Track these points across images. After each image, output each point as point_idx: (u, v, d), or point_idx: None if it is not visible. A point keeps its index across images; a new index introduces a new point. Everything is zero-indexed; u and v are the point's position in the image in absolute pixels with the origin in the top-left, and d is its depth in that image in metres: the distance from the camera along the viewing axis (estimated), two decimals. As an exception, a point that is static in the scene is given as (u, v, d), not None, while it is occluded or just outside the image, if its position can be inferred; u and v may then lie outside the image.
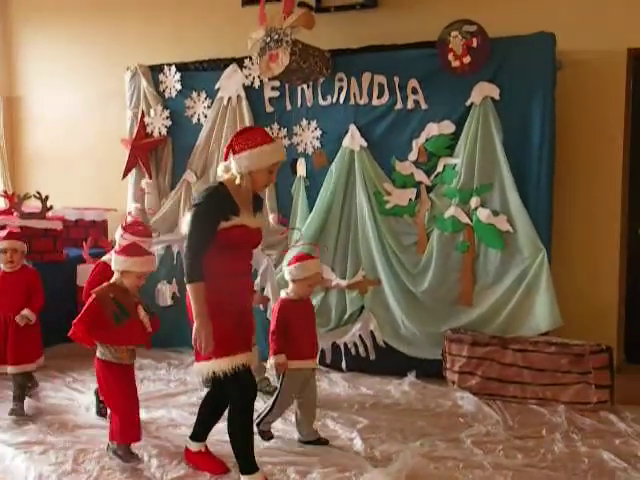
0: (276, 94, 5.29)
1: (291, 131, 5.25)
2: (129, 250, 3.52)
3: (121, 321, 3.40)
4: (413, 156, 4.83)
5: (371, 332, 4.96)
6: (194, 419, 3.49)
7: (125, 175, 5.77)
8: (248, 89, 5.36)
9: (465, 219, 4.65)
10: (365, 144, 4.95)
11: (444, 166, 4.74)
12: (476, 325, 4.66)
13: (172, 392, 4.62)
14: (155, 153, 5.75)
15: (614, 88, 4.83)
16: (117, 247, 3.64)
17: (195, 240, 3.07)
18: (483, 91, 4.58)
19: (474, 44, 4.55)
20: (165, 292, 5.56)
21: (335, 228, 5.07)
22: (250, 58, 5.25)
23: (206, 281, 3.03)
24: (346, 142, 5.00)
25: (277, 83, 5.19)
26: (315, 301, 5.14)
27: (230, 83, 5.40)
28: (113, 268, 3.51)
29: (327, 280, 5.11)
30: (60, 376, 4.91)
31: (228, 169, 3.14)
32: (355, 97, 4.99)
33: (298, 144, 5.23)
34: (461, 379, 4.48)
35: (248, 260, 3.27)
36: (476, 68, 4.57)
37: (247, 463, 3.17)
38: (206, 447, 3.42)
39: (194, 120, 5.58)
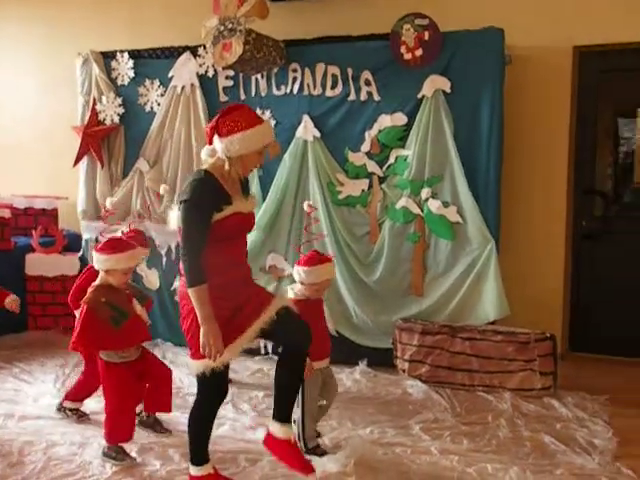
0: (230, 83, 5.27)
1: (245, 121, 5.24)
2: (111, 246, 3.37)
3: (120, 324, 3.31)
4: (366, 147, 4.87)
5: (323, 321, 5.01)
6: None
7: (76, 163, 5.68)
8: (202, 78, 5.32)
9: (416, 210, 4.71)
10: (318, 134, 4.97)
11: (396, 157, 4.78)
12: (427, 314, 4.73)
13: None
14: (107, 141, 5.67)
15: (560, 84, 4.96)
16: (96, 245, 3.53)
17: (192, 239, 2.81)
18: (434, 84, 4.63)
19: (426, 37, 4.60)
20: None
21: (288, 218, 5.09)
22: (204, 47, 5.21)
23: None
24: (300, 132, 5.01)
25: (231, 72, 5.17)
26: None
27: (184, 71, 5.35)
28: (97, 267, 3.39)
29: (280, 270, 5.14)
30: (7, 367, 4.85)
31: (214, 153, 2.88)
32: (309, 88, 5.00)
33: (252, 134, 5.22)
34: (411, 367, 4.56)
35: (244, 249, 3.07)
36: (428, 61, 4.62)
37: (198, 454, 3.10)
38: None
39: (147, 108, 5.52)
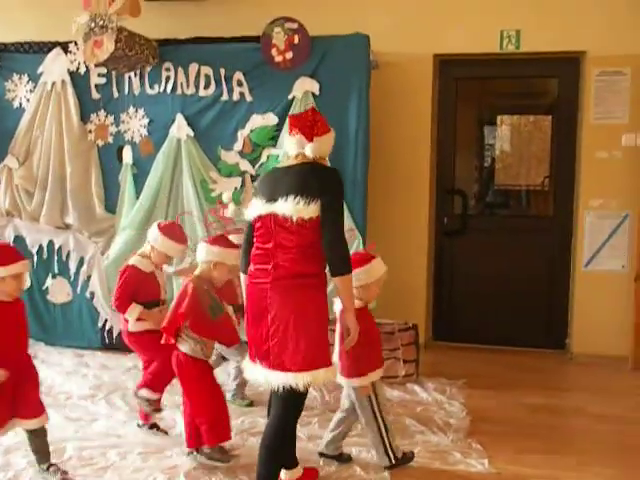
0: (103, 81, 5.23)
1: (118, 119, 5.22)
2: (223, 241, 3.37)
3: (217, 315, 3.23)
4: (238, 146, 4.97)
5: (198, 317, 5.07)
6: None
7: (-61, 159, 5.47)
8: (73, 75, 5.25)
9: (287, 207, 4.86)
10: (192, 134, 5.03)
11: (268, 156, 4.92)
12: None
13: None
14: (-27, 137, 5.50)
15: (422, 90, 5.27)
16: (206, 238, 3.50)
17: (342, 228, 2.77)
18: (304, 86, 4.80)
19: (296, 41, 4.78)
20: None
21: (162, 216, 5.09)
22: (75, 43, 5.16)
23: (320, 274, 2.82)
24: (173, 131, 5.05)
25: (103, 70, 5.13)
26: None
27: (54, 67, 5.27)
28: (204, 259, 3.32)
29: (154, 267, 5.15)
30: None
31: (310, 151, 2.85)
32: (182, 87, 5.05)
33: (125, 132, 5.21)
34: (283, 359, 4.68)
35: None
36: (297, 64, 4.79)
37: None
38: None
39: (15, 104, 5.39)
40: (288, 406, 2.86)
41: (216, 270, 3.31)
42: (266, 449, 2.87)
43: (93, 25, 4.70)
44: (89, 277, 5.31)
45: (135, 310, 3.60)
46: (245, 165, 4.98)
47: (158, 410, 3.67)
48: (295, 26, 4.75)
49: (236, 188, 4.99)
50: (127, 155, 5.20)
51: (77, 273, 5.34)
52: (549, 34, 5.05)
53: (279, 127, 4.87)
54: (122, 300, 3.61)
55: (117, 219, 5.26)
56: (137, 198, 5.17)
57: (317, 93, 4.80)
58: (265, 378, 2.81)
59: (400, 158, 5.25)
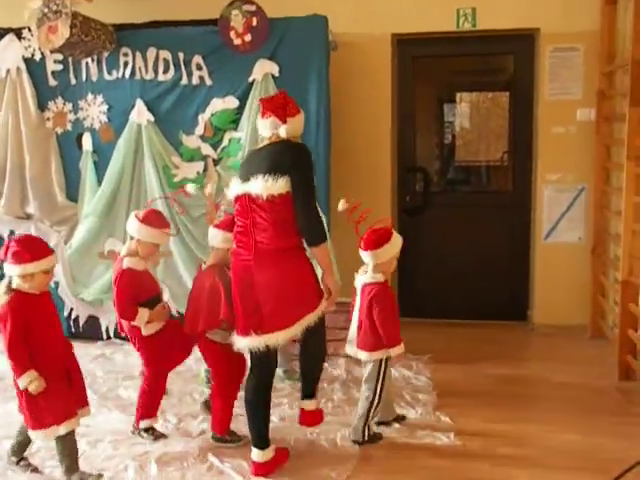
0: (59, 67, 5.15)
1: (77, 105, 5.15)
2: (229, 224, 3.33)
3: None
4: (200, 130, 4.95)
5: (165, 303, 5.07)
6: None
7: None
8: (28, 61, 5.15)
9: (251, 190, 4.87)
10: (152, 119, 4.98)
11: (229, 140, 4.90)
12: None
13: None
14: None
15: (381, 69, 5.31)
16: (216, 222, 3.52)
17: (313, 200, 2.99)
18: (264, 68, 4.78)
19: (254, 23, 4.75)
20: None
21: (125, 202, 5.08)
22: (29, 29, 5.06)
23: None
24: (133, 117, 5.00)
25: (60, 56, 5.04)
26: (108, 275, 5.15)
27: (8, 54, 5.16)
28: (221, 245, 3.37)
29: (117, 254, 5.12)
30: None
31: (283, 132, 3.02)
32: (141, 72, 5.00)
33: (84, 119, 5.14)
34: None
35: None
36: (257, 46, 4.77)
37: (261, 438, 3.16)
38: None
39: (-33, 92, 5.29)
40: (270, 361, 3.16)
41: (225, 254, 3.36)
42: (250, 404, 3.14)
43: (47, 10, 4.62)
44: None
45: (144, 316, 3.43)
46: (207, 149, 4.96)
47: (163, 436, 3.59)
48: (253, 8, 4.73)
49: (198, 173, 4.98)
50: (87, 142, 5.14)
51: (40, 263, 5.28)
52: (504, 12, 5.11)
53: (240, 110, 4.86)
54: (126, 307, 3.43)
55: (79, 207, 5.21)
56: (99, 185, 5.12)
57: (277, 75, 4.79)
58: (260, 344, 3.01)
59: (361, 138, 5.29)
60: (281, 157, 2.96)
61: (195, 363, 4.64)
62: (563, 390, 4.15)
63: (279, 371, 4.03)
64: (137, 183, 5.07)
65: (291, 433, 3.55)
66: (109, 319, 5.19)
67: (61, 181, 5.26)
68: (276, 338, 3.00)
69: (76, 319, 5.25)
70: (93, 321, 5.25)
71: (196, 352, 4.82)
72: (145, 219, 3.53)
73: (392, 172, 5.47)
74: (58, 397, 2.95)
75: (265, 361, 3.11)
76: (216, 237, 3.42)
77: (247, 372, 3.27)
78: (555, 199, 5.27)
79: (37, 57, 5.15)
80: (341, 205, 3.43)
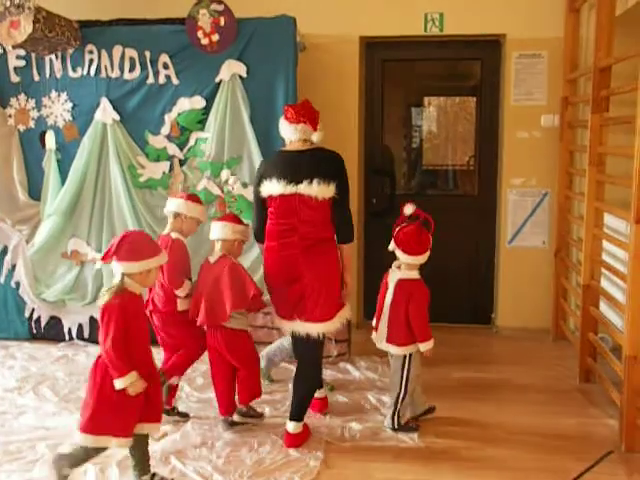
0: (22, 63, 5.05)
1: (40, 102, 5.06)
2: (238, 219, 3.70)
3: None
4: (166, 130, 4.90)
5: (129, 304, 5.02)
6: None
7: None
8: (-11, 56, 5.07)
9: (217, 191, 4.84)
10: (118, 117, 4.92)
11: (196, 140, 4.86)
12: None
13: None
14: None
15: (349, 71, 5.31)
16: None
17: (349, 204, 3.48)
18: (231, 68, 4.75)
19: (222, 23, 4.72)
20: None
21: (89, 202, 5.01)
22: (-10, 23, 4.97)
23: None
24: (98, 115, 4.93)
25: (22, 52, 4.95)
26: (71, 276, 5.09)
27: (-33, 49, 5.08)
28: (232, 237, 3.57)
29: (82, 254, 5.06)
30: None
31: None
32: (106, 70, 4.93)
33: (48, 116, 5.06)
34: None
35: None
36: (224, 46, 4.74)
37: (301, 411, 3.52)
38: None
39: None
40: (317, 348, 3.52)
41: (239, 247, 3.65)
42: (302, 385, 3.53)
43: (8, 4, 4.51)
44: (14, 266, 5.17)
45: (187, 286, 3.63)
46: (173, 149, 4.91)
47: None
48: (221, 8, 4.70)
49: (164, 172, 4.93)
50: (50, 140, 5.05)
51: (0, 263, 5.19)
52: (471, 17, 5.16)
53: (207, 110, 4.82)
54: (176, 274, 3.58)
55: (42, 206, 5.12)
56: (62, 184, 5.04)
57: (244, 75, 4.77)
58: (303, 329, 3.41)
59: (329, 139, 5.16)
60: (329, 164, 3.40)
61: (158, 363, 4.61)
62: (526, 392, 4.20)
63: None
64: (102, 182, 5.00)
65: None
66: (72, 320, 5.12)
67: (23, 179, 5.16)
68: (317, 329, 3.41)
69: (38, 320, 5.17)
70: (55, 322, 5.16)
71: (159, 353, 4.82)
72: (189, 197, 3.77)
73: (359, 175, 5.47)
74: (130, 408, 2.87)
75: (306, 344, 3.45)
76: (225, 229, 3.58)
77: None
78: (519, 203, 5.33)
79: (-2, 52, 5.06)
80: (409, 209, 3.56)
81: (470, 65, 5.79)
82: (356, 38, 5.28)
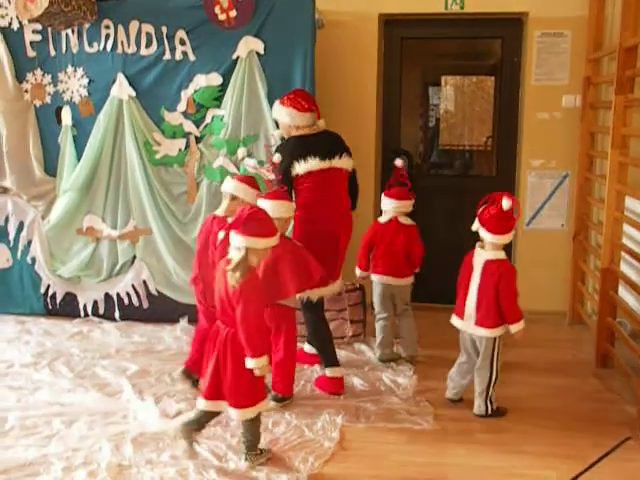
0: (38, 38, 5.01)
1: (56, 78, 5.03)
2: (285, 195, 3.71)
3: None
4: (182, 107, 4.85)
5: (144, 281, 5.02)
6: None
7: None
8: (5, 31, 5.00)
9: (233, 169, 4.79)
10: (134, 94, 4.88)
11: (212, 117, 4.82)
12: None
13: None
14: None
15: (368, 49, 5.25)
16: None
17: None
18: (249, 45, 4.69)
19: (240, -2, 4.67)
20: None
21: (105, 178, 4.99)
22: (6, -4, 4.93)
23: None
24: (114, 91, 4.90)
25: (39, 26, 4.91)
26: (86, 252, 5.09)
27: (-16, 24, 5.04)
28: (285, 215, 3.55)
29: (97, 231, 5.06)
30: None
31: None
32: (123, 45, 4.88)
33: (64, 92, 5.03)
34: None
35: None
36: (242, 22, 4.68)
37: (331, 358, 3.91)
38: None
39: (-58, 62, 5.13)
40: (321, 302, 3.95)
41: (288, 223, 3.70)
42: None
43: (25, -22, 4.50)
44: (30, 242, 5.18)
45: None
46: (189, 126, 4.87)
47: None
48: (239, -17, 4.64)
49: (180, 150, 4.89)
50: (66, 116, 5.02)
51: (17, 238, 5.20)
52: (493, -6, 5.07)
53: (223, 87, 4.77)
54: None
55: (57, 182, 5.11)
56: (78, 160, 5.02)
57: (262, 52, 4.71)
58: (333, 290, 3.98)
59: (346, 118, 5.22)
60: (343, 142, 4.03)
61: (174, 342, 4.63)
62: (541, 376, 4.16)
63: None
64: (117, 159, 4.98)
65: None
66: (87, 296, 5.13)
67: (39, 155, 5.15)
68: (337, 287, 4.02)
69: (53, 296, 5.19)
70: (70, 298, 5.18)
71: (174, 331, 4.84)
72: (243, 179, 3.79)
73: (375, 153, 5.42)
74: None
75: (320, 302, 3.90)
76: (281, 208, 3.53)
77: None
78: (538, 185, 5.26)
79: (15, 26, 5.00)
80: (507, 203, 3.41)
81: (489, 44, 5.69)
82: (375, 15, 5.20)
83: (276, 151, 3.87)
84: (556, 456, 3.18)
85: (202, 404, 3.02)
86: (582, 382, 4.08)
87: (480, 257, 3.53)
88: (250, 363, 2.84)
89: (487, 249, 3.51)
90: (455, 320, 3.64)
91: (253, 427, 3.04)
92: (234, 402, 2.95)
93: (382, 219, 4.39)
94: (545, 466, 3.10)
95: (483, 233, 3.49)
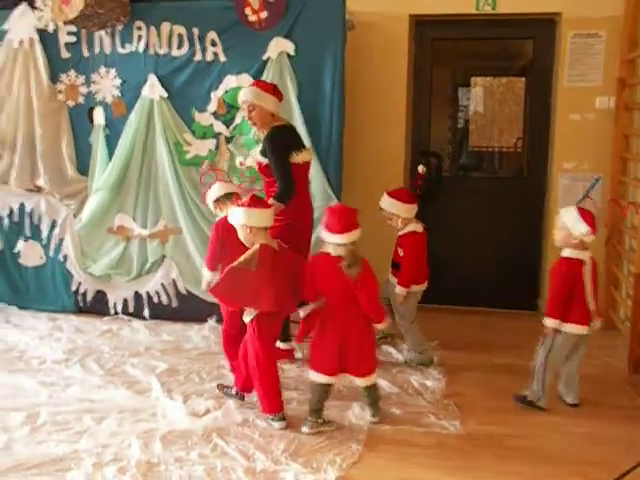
0: (72, 39, 5.08)
1: (89, 79, 5.10)
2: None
3: None
4: (212, 107, 4.89)
5: (173, 280, 5.07)
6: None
7: None
8: (42, 32, 5.09)
9: (262, 169, 4.82)
10: (165, 94, 4.93)
11: (242, 118, 4.82)
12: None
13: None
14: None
15: (398, 51, 5.23)
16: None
17: None
18: (279, 46, 4.72)
19: (271, 0, 4.68)
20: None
21: (136, 177, 5.05)
22: (43, -1, 5.01)
23: None
24: (146, 92, 4.95)
25: (73, 28, 4.98)
26: (117, 251, 5.14)
27: (21, 24, 5.10)
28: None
29: (128, 230, 5.11)
30: None
31: None
32: (155, 47, 4.94)
33: (97, 92, 5.09)
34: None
35: None
36: (273, 23, 4.71)
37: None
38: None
39: (-21, 63, 5.23)
40: None
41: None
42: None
43: (60, -19, 4.56)
44: (62, 240, 5.25)
45: None
46: (219, 126, 4.91)
47: None
48: (269, -15, 4.66)
49: (210, 150, 4.93)
50: (99, 116, 5.09)
51: (49, 236, 5.28)
52: (525, -5, 5.02)
53: (254, 88, 4.79)
54: None
55: (89, 181, 5.17)
56: (110, 160, 5.08)
57: (292, 54, 4.73)
58: None
59: (375, 119, 5.23)
60: None
61: (202, 341, 4.66)
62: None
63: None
64: (148, 159, 5.03)
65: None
66: (117, 295, 5.19)
67: (72, 154, 5.22)
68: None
69: (84, 293, 5.25)
70: (101, 296, 5.24)
71: (202, 330, 4.86)
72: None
73: (405, 155, 5.40)
74: None
75: None
76: (270, 217, 3.56)
77: None
78: (570, 188, 5.19)
79: (50, 28, 5.09)
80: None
81: (520, 44, 5.64)
82: (406, 16, 5.18)
83: (268, 145, 4.03)
84: (587, 463, 3.13)
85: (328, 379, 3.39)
86: (614, 388, 4.02)
87: (587, 256, 3.69)
88: (381, 327, 3.44)
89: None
90: (596, 325, 3.72)
91: (376, 392, 3.53)
92: (361, 372, 3.43)
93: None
94: (576, 473, 3.05)
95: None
